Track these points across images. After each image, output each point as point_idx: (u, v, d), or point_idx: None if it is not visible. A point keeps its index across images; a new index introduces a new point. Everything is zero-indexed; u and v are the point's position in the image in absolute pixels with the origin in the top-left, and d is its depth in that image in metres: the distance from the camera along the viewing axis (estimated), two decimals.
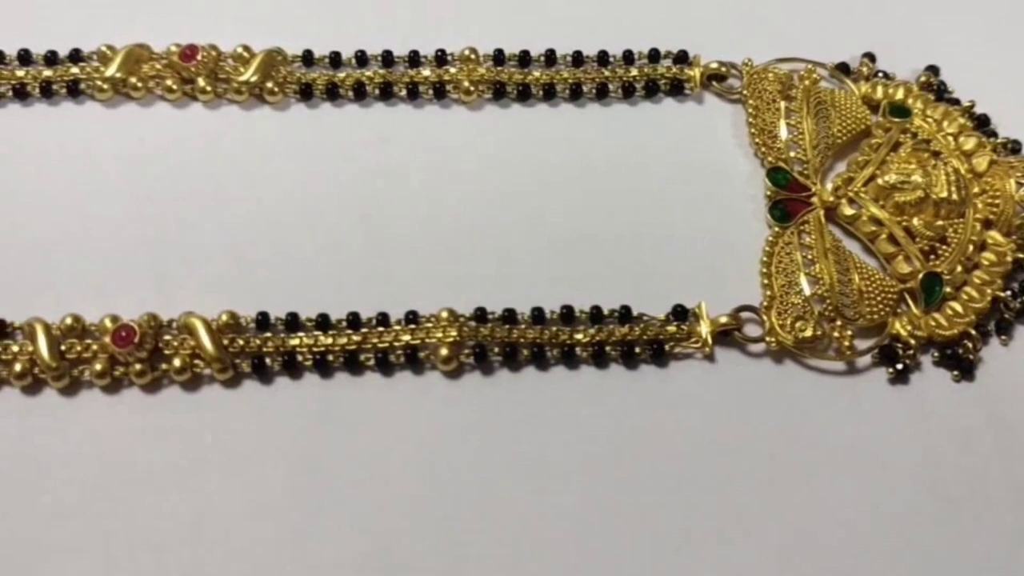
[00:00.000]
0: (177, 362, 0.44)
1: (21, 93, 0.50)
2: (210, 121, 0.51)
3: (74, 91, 0.50)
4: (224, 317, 0.45)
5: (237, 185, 0.49)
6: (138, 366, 0.44)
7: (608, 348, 0.45)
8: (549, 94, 0.52)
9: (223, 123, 0.51)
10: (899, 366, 0.46)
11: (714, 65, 0.52)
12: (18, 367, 0.43)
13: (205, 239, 0.48)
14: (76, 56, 0.51)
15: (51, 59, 0.51)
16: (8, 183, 0.48)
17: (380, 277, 0.47)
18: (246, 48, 0.51)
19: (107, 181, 0.49)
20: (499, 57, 0.52)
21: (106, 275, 0.47)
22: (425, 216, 0.49)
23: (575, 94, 0.52)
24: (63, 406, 0.44)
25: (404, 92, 0.51)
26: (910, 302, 0.48)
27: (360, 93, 0.51)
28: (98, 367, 0.44)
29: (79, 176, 0.49)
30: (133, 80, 0.50)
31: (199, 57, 0.50)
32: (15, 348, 0.44)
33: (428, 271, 0.48)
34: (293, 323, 0.45)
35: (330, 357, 0.45)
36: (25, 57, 0.51)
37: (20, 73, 0.50)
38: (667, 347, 0.46)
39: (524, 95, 0.52)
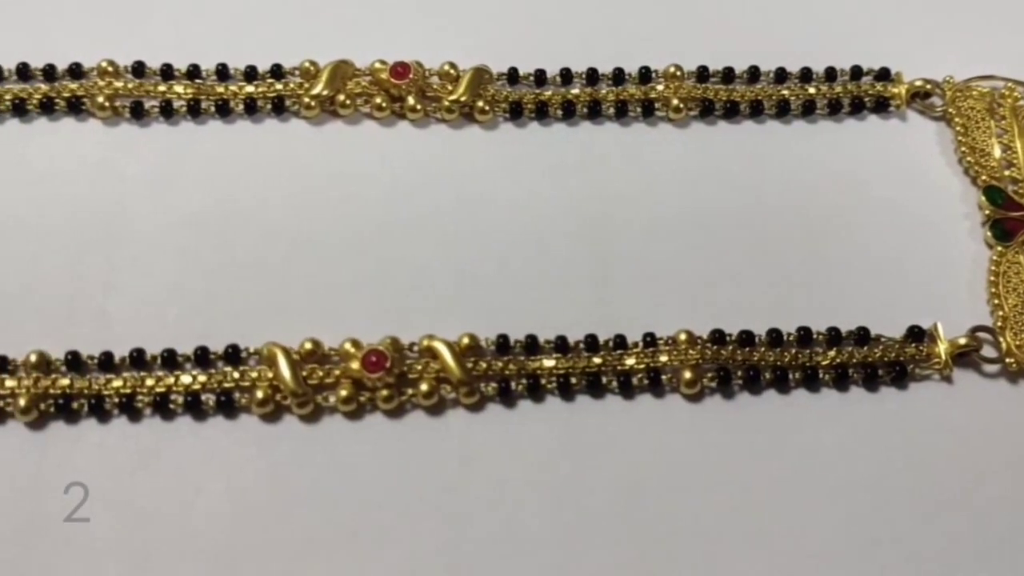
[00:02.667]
0: (424, 386, 0.43)
1: (224, 109, 0.49)
2: (420, 140, 0.50)
3: (279, 108, 0.49)
4: (465, 340, 0.44)
5: (451, 204, 0.48)
6: (385, 391, 0.42)
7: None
8: (756, 111, 0.51)
9: (433, 142, 0.50)
10: None
11: (918, 82, 0.52)
12: (260, 394, 0.42)
13: (421, 259, 0.47)
14: (278, 72, 0.50)
15: (251, 74, 0.50)
16: (216, 202, 0.47)
17: (599, 297, 0.46)
18: (452, 65, 0.50)
19: (318, 200, 0.48)
20: (703, 74, 0.51)
21: (323, 297, 0.46)
22: (639, 235, 0.48)
23: (782, 111, 0.51)
24: (306, 434, 0.43)
25: (612, 111, 0.51)
26: None
27: (568, 112, 0.50)
28: (344, 393, 0.42)
29: (290, 195, 0.48)
30: (341, 98, 0.49)
31: (410, 75, 0.49)
32: (254, 374, 0.43)
33: (647, 291, 0.47)
34: (533, 346, 0.44)
35: (573, 380, 0.44)
36: (223, 72, 0.50)
37: (220, 89, 0.49)
38: (909, 369, 0.45)
39: (731, 112, 0.51)
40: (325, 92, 0.49)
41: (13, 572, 0.39)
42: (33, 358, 0.42)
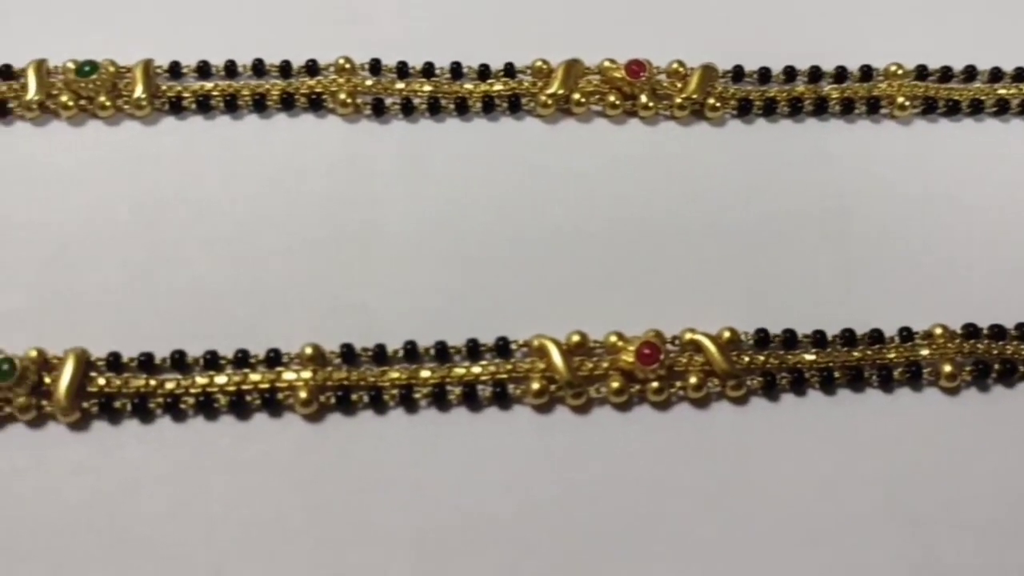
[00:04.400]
0: (693, 379, 0.43)
1: (462, 107, 0.50)
2: (652, 137, 0.50)
3: (515, 106, 0.50)
4: (726, 334, 0.44)
5: (687, 200, 0.48)
6: (656, 384, 0.43)
7: None
8: (976, 109, 0.52)
9: (665, 139, 0.50)
10: None
11: None
12: (536, 385, 0.43)
13: (661, 254, 0.47)
14: (511, 71, 0.50)
15: (484, 73, 0.50)
16: (459, 198, 0.48)
17: (844, 289, 0.47)
18: (680, 64, 0.51)
19: (555, 197, 0.48)
20: (922, 72, 0.52)
21: (569, 292, 0.46)
22: (873, 228, 0.48)
23: (1001, 109, 0.52)
24: (578, 425, 0.43)
25: (838, 108, 0.51)
26: None
27: (796, 108, 0.51)
28: (615, 384, 0.43)
29: (528, 192, 0.48)
30: (576, 96, 0.50)
31: (645, 73, 0.49)
32: (525, 366, 0.43)
33: (888, 283, 0.47)
34: (791, 340, 0.45)
35: (836, 374, 0.44)
36: (457, 70, 0.50)
37: (455, 87, 0.50)
38: None
39: (953, 110, 0.52)
40: (561, 91, 0.49)
41: (306, 562, 0.40)
42: (308, 351, 0.43)
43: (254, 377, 0.42)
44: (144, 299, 0.44)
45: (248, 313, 0.44)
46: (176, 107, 0.49)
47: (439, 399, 0.43)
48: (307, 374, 0.42)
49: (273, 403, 0.42)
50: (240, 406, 0.42)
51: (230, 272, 0.45)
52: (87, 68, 0.48)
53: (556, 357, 0.43)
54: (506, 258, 0.47)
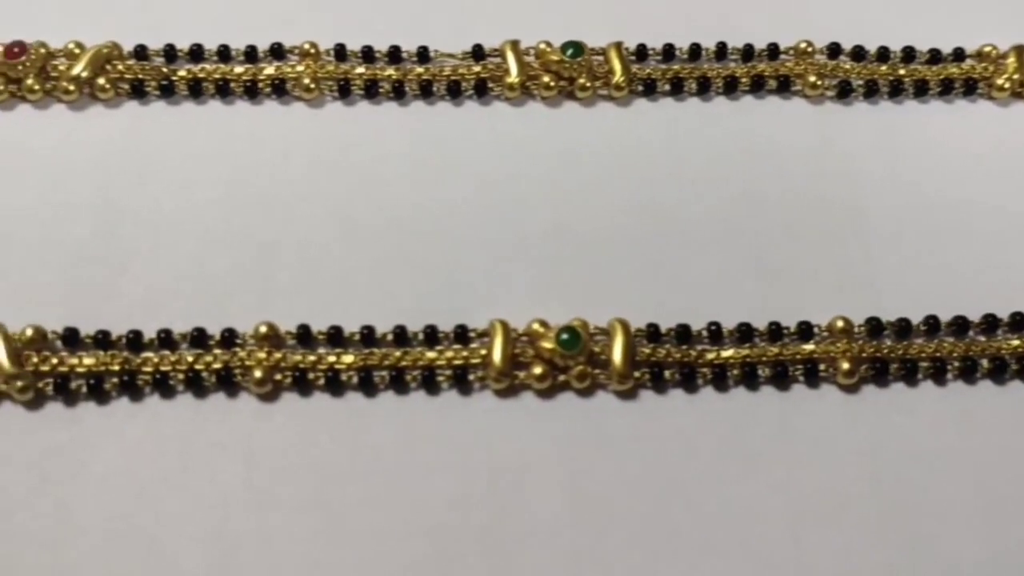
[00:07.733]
0: None
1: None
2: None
3: (971, 90, 0.52)
4: None
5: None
6: None
7: None
8: None
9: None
10: None
11: None
12: None
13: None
14: (960, 55, 0.52)
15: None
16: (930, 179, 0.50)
17: None
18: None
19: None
20: None
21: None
22: None
23: None
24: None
25: None
26: None
27: None
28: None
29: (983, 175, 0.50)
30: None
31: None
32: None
33: None
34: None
35: None
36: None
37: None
38: None
39: None
40: (1017, 76, 0.51)
41: (875, 533, 0.41)
42: (839, 324, 0.44)
43: (807, 348, 0.44)
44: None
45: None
46: (650, 89, 0.50)
47: (967, 373, 0.44)
48: (842, 345, 0.44)
49: (815, 374, 0.44)
50: (781, 377, 0.44)
51: (717, 250, 0.47)
52: (571, 50, 0.49)
53: None
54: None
